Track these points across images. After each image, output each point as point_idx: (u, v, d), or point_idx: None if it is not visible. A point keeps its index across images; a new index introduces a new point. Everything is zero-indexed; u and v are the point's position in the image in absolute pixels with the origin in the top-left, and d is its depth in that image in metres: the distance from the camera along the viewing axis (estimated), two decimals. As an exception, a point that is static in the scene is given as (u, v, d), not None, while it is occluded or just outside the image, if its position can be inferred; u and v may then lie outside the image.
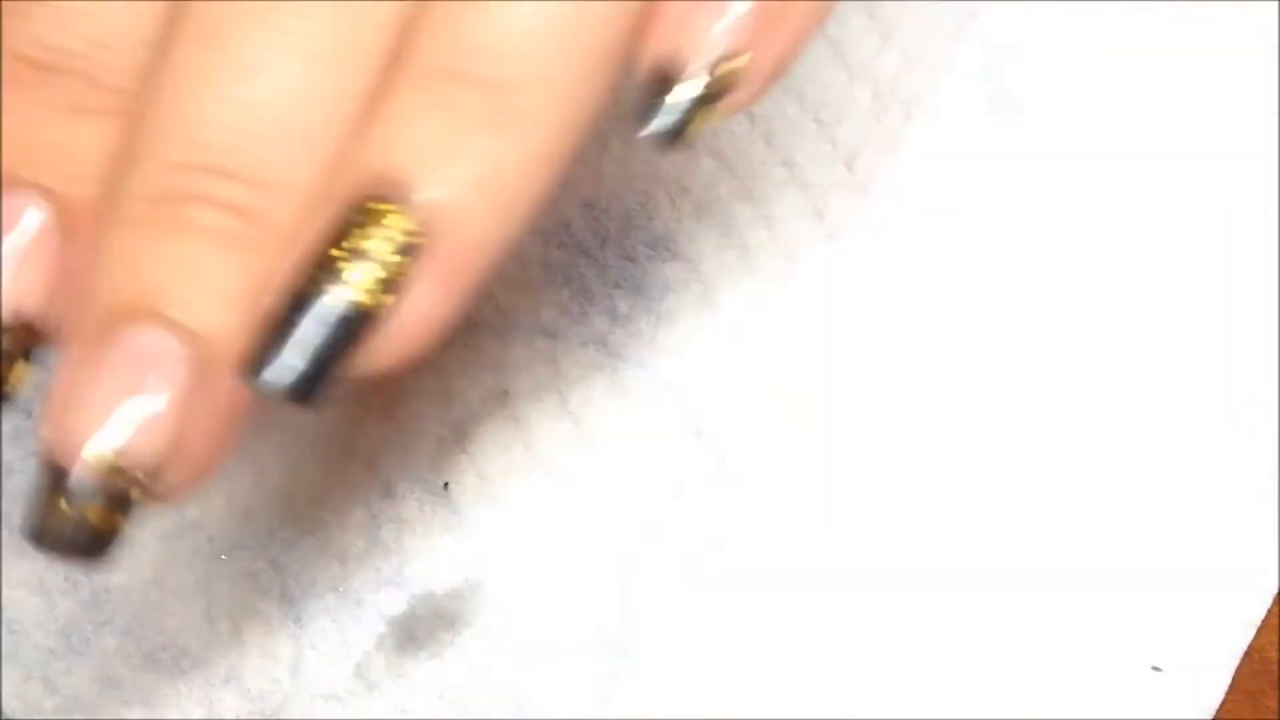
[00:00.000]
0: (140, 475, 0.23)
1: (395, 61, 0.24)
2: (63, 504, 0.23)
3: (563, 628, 0.33)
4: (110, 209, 0.24)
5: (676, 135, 0.24)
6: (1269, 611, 0.33)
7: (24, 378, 0.25)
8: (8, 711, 0.33)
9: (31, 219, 0.24)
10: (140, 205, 0.24)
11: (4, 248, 0.24)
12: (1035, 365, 0.34)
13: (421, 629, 0.33)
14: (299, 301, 0.23)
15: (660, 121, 0.24)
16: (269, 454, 0.34)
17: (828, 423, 0.34)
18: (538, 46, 0.24)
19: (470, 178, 0.24)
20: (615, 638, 0.33)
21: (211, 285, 0.23)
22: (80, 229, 0.24)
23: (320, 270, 0.23)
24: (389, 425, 0.34)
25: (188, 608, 0.33)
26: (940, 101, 0.36)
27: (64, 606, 0.33)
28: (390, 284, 0.23)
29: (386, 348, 0.24)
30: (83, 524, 0.23)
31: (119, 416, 0.23)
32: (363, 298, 0.23)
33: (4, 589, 0.33)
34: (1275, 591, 0.33)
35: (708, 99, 0.24)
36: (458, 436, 0.34)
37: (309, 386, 0.23)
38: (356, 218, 0.23)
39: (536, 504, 0.34)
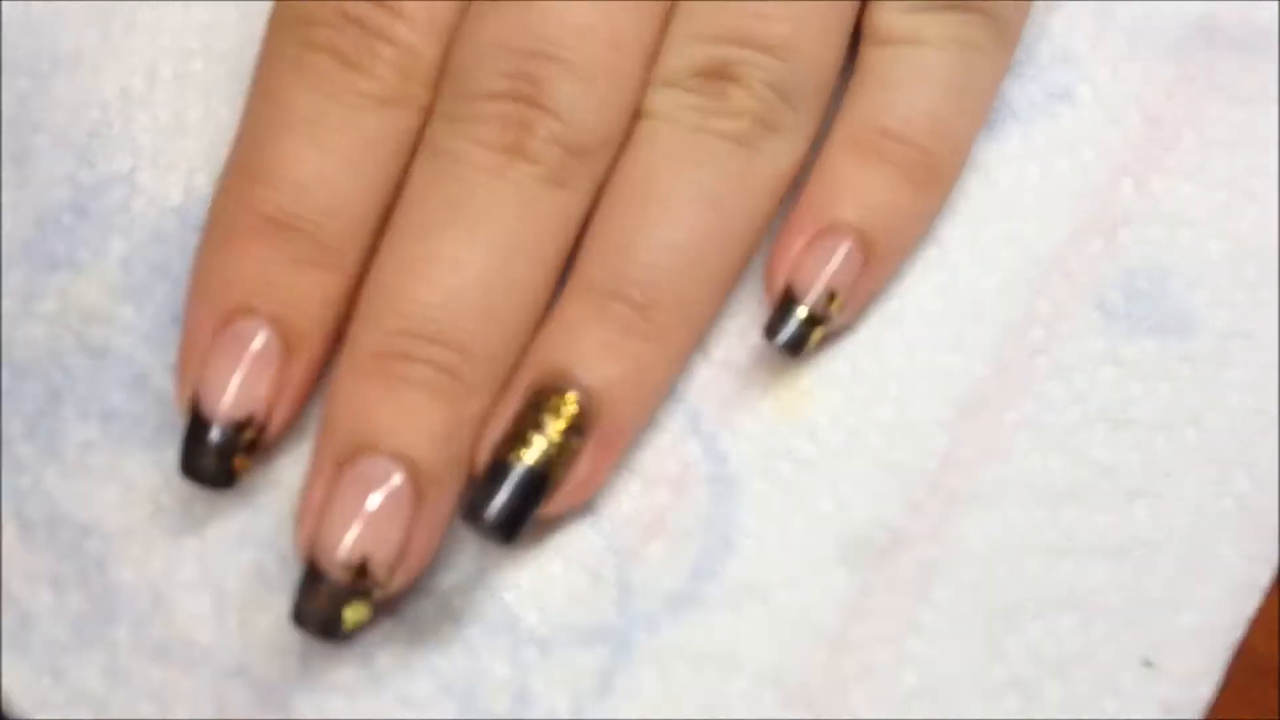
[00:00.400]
0: (378, 575, 0.30)
1: (568, 262, 0.32)
2: (320, 593, 0.30)
3: (565, 623, 0.33)
4: (345, 361, 0.31)
5: (797, 346, 0.32)
6: (1261, 607, 0.33)
7: (247, 467, 0.32)
8: (19, 704, 0.33)
9: (260, 340, 0.31)
10: (369, 360, 0.31)
11: (240, 362, 0.31)
12: (1022, 367, 0.35)
13: (426, 622, 0.33)
14: (501, 467, 0.31)
15: (785, 335, 0.32)
16: (278, 450, 0.34)
17: (828, 423, 0.34)
18: (679, 279, 0.32)
19: (620, 374, 0.31)
20: (616, 634, 0.33)
21: (424, 426, 0.30)
22: (294, 354, 0.31)
23: (515, 443, 0.31)
24: (394, 424, 0.34)
25: (197, 602, 0.33)
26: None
27: (75, 600, 0.33)
28: (563, 454, 0.31)
29: (561, 501, 0.31)
30: (336, 613, 0.30)
31: (361, 529, 0.30)
32: (543, 465, 0.31)
33: (16, 582, 0.33)
34: (1266, 587, 0.33)
35: (818, 320, 0.32)
36: (462, 435, 0.34)
37: (510, 529, 0.31)
38: (539, 402, 0.31)
39: (539, 501, 0.34)
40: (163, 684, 0.33)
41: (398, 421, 0.30)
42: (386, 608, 0.32)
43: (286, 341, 0.31)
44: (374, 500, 0.30)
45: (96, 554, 0.33)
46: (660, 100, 0.32)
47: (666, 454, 0.34)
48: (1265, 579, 0.33)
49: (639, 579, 0.33)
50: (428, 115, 0.32)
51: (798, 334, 0.32)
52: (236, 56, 0.37)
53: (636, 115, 0.33)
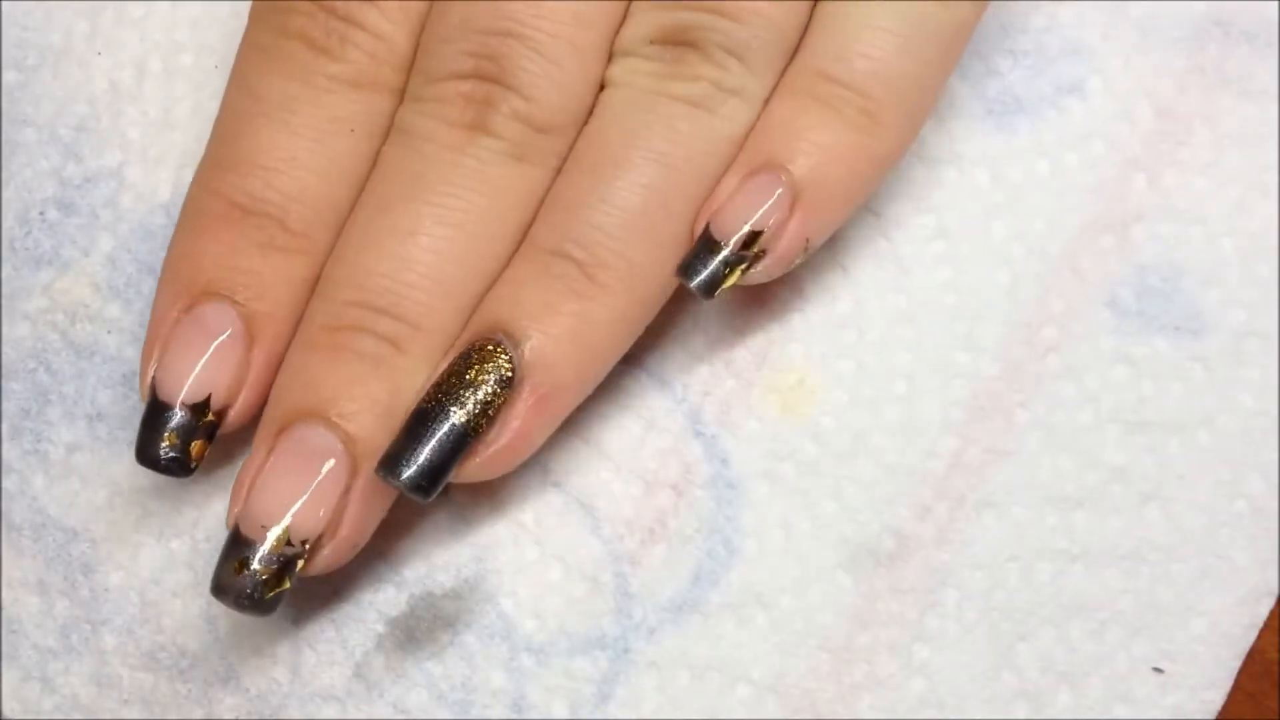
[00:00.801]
0: (304, 546, 0.30)
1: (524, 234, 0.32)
2: (242, 565, 0.30)
3: (562, 628, 0.33)
4: (299, 334, 0.31)
5: (710, 288, 0.31)
6: (1270, 613, 0.33)
7: (203, 453, 0.31)
8: (6, 711, 0.32)
9: (222, 323, 0.31)
10: (319, 331, 0.31)
11: (202, 345, 0.31)
12: (1033, 366, 0.34)
13: (421, 629, 0.33)
14: (423, 419, 0.30)
15: (699, 275, 0.31)
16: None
17: (833, 424, 0.34)
18: (624, 239, 0.31)
19: (559, 331, 0.31)
20: (615, 638, 0.33)
21: (364, 396, 0.30)
22: (258, 338, 0.31)
23: (441, 395, 0.30)
24: (389, 425, 0.34)
25: (186, 607, 0.33)
26: (941, 101, 0.36)
27: (63, 606, 0.33)
28: (491, 409, 0.30)
29: (491, 459, 0.31)
30: (258, 583, 0.30)
31: (291, 497, 0.30)
32: (469, 418, 0.30)
33: (3, 588, 0.33)
34: (1276, 593, 0.33)
35: (736, 262, 0.31)
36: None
37: (426, 485, 0.30)
38: (473, 356, 0.31)
39: (536, 504, 0.34)
40: (152, 691, 0.33)
41: (338, 391, 0.30)
42: (325, 579, 0.32)
43: (250, 325, 0.31)
44: (310, 468, 0.30)
45: (84, 558, 0.33)
46: (619, 69, 0.32)
47: (667, 456, 0.34)
48: (1277, 584, 0.33)
49: (638, 585, 0.33)
50: (400, 99, 0.33)
51: (711, 274, 0.31)
52: (226, 51, 0.36)
53: (602, 88, 0.33)
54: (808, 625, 0.33)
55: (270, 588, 0.30)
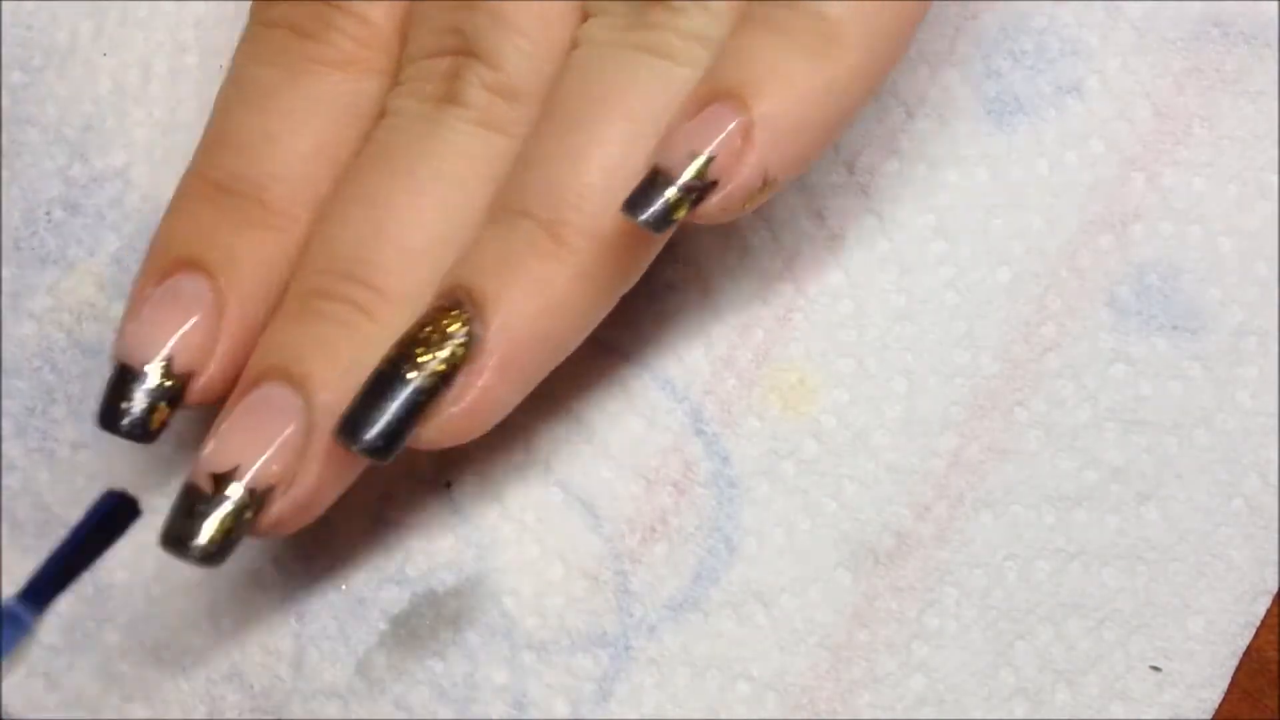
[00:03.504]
0: (257, 497, 0.29)
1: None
2: (189, 514, 0.30)
3: (563, 625, 0.33)
4: (279, 306, 0.31)
5: (661, 221, 0.29)
6: (1267, 611, 0.33)
7: (165, 420, 0.31)
8: (9, 708, 0.32)
9: (191, 291, 0.31)
10: (293, 300, 0.31)
11: (169, 311, 0.31)
12: (1032, 364, 0.34)
13: (423, 627, 0.33)
14: (381, 381, 0.30)
15: (646, 210, 0.29)
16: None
17: (834, 422, 0.34)
18: (589, 195, 0.30)
19: (521, 292, 0.30)
20: (616, 635, 0.33)
21: (330, 358, 0.30)
22: (227, 308, 0.31)
23: (399, 358, 0.30)
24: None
25: (190, 604, 0.33)
26: (941, 102, 0.36)
27: (66, 603, 0.33)
28: (448, 369, 0.30)
29: (449, 423, 0.30)
30: (207, 536, 0.29)
31: (247, 448, 0.29)
32: (426, 381, 0.30)
33: (5, 586, 0.33)
34: (1274, 591, 0.33)
35: (685, 194, 0.29)
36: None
37: (382, 446, 0.30)
38: (433, 318, 0.30)
39: (537, 504, 0.34)
40: (155, 687, 0.33)
41: (303, 351, 0.30)
42: (276, 538, 0.32)
43: (221, 297, 0.31)
44: (265, 421, 0.30)
45: (88, 556, 0.33)
46: (585, 28, 0.32)
47: (668, 454, 0.34)
48: (1274, 582, 0.33)
49: (639, 583, 0.33)
50: (388, 83, 0.33)
51: (660, 209, 0.29)
52: (231, 51, 0.36)
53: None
54: (808, 623, 0.33)
55: (219, 541, 0.29)
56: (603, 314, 0.32)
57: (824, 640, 0.32)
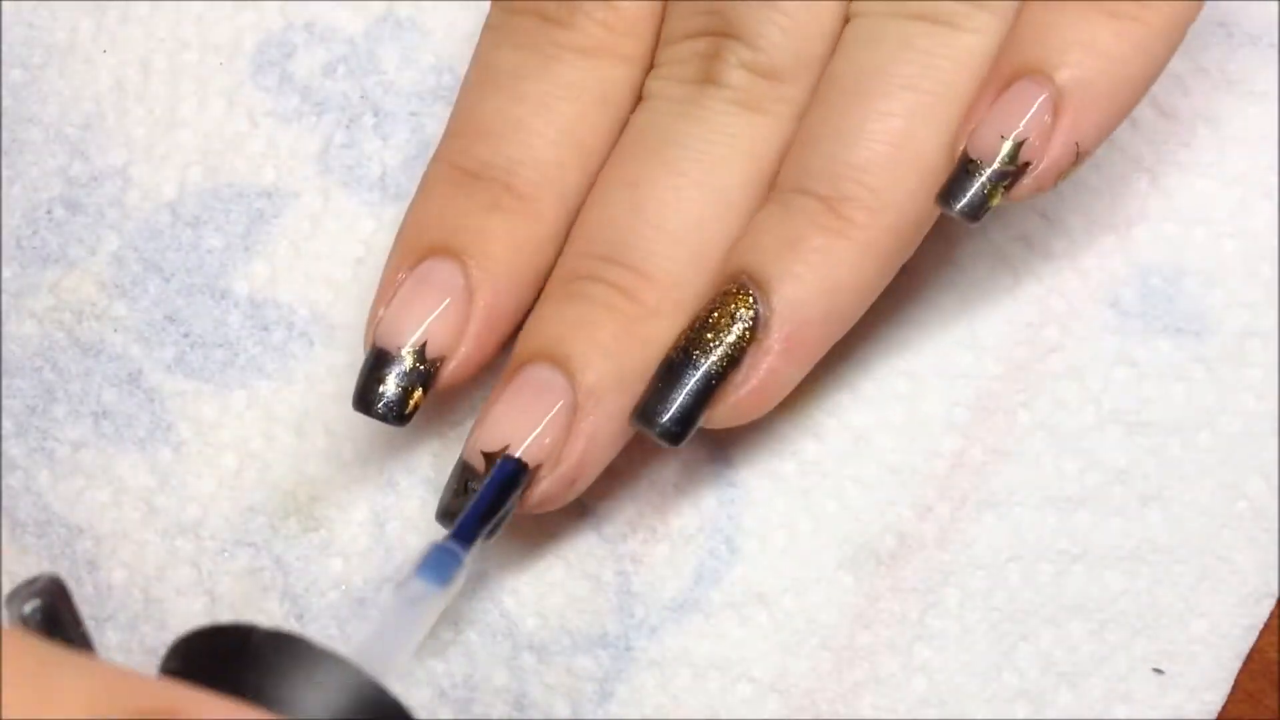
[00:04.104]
0: (524, 472, 0.30)
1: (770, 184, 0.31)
2: (462, 490, 0.31)
3: (564, 626, 0.33)
4: (543, 291, 0.32)
5: (975, 211, 0.30)
6: (1270, 614, 0.33)
7: (419, 404, 0.31)
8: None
9: (444, 277, 0.31)
10: (557, 284, 0.32)
11: (422, 296, 0.31)
12: (1036, 366, 0.34)
13: (424, 627, 0.33)
14: (674, 367, 0.31)
15: (962, 199, 0.30)
16: (273, 452, 0.34)
17: (835, 423, 0.34)
18: (871, 169, 0.30)
19: (804, 270, 0.30)
20: (617, 636, 0.33)
21: (591, 340, 0.31)
22: (478, 294, 0.31)
23: (689, 343, 0.30)
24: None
25: (190, 604, 0.33)
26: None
27: (66, 603, 0.33)
28: (738, 353, 0.30)
29: (739, 405, 0.31)
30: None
31: (518, 427, 0.30)
32: (717, 364, 0.30)
33: (6, 584, 0.33)
34: (1276, 594, 0.33)
35: (1000, 179, 0.30)
36: (461, 435, 0.34)
37: (678, 431, 0.30)
38: (717, 301, 0.30)
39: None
40: (155, 688, 0.32)
41: (565, 333, 0.31)
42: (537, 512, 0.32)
43: (472, 282, 0.31)
44: (532, 402, 0.30)
45: (88, 555, 0.33)
46: (857, 3, 0.32)
47: (669, 454, 0.34)
48: (1277, 585, 0.33)
49: (640, 584, 0.33)
50: (640, 69, 0.33)
51: (974, 198, 0.30)
52: (231, 48, 0.36)
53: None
54: (809, 624, 0.33)
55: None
56: (883, 287, 0.32)
57: (826, 641, 0.32)
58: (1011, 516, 0.33)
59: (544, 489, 0.31)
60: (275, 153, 0.36)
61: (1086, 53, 0.30)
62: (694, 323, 0.31)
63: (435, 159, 0.33)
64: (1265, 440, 0.34)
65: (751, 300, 0.30)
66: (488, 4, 0.34)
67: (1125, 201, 0.35)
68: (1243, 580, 0.33)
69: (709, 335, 0.30)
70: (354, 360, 0.34)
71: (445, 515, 0.31)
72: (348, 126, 0.36)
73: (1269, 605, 0.33)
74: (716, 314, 0.30)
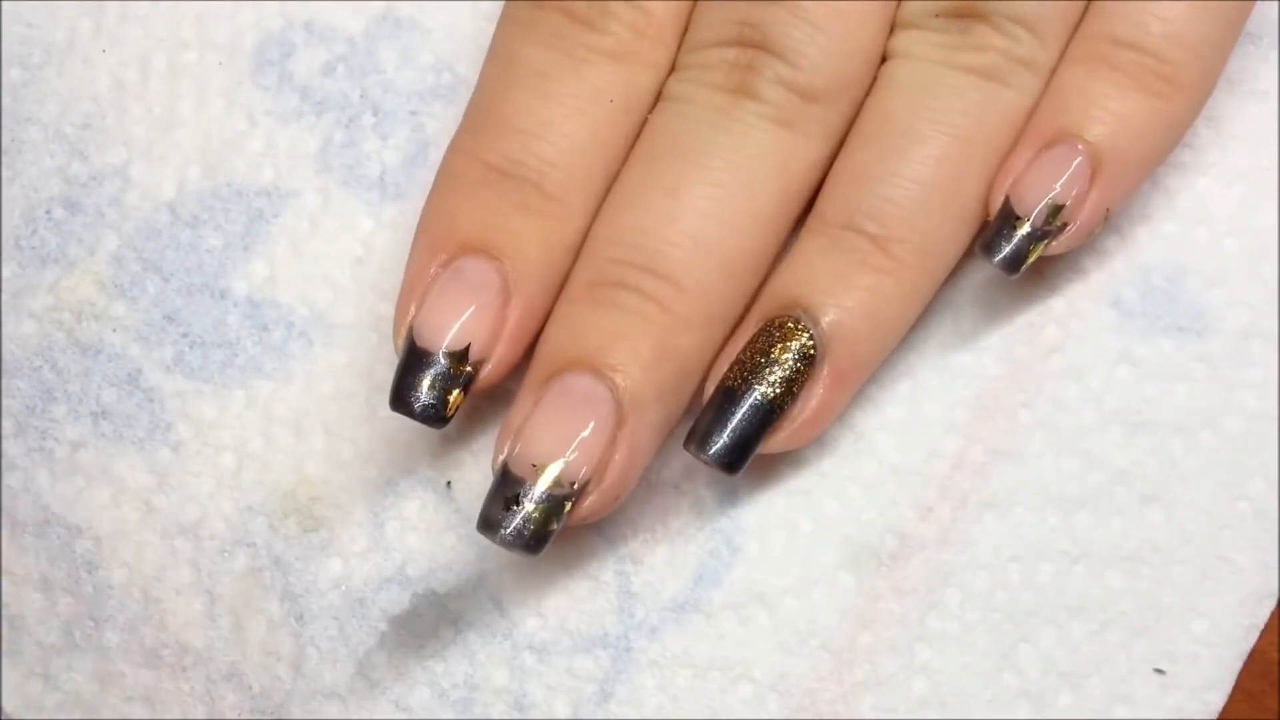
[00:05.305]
0: (573, 489, 0.30)
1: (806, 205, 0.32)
2: (509, 503, 0.30)
3: (564, 626, 0.33)
4: (564, 292, 0.32)
5: (1015, 264, 0.32)
6: (1271, 614, 0.33)
7: (459, 405, 0.31)
8: (8, 708, 0.32)
9: (482, 277, 0.31)
10: (582, 288, 0.31)
11: (460, 296, 0.31)
12: (1037, 366, 0.34)
13: (423, 627, 0.33)
14: (730, 396, 0.31)
15: (1003, 251, 0.32)
16: (273, 452, 0.34)
17: (836, 424, 0.34)
18: (916, 211, 0.31)
19: (854, 304, 0.31)
20: (617, 636, 0.33)
21: (630, 349, 0.31)
22: (514, 295, 0.31)
23: (747, 372, 0.31)
24: (392, 424, 0.34)
25: (190, 605, 0.33)
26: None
27: (65, 603, 0.33)
28: (794, 385, 0.31)
29: (791, 435, 0.31)
30: (529, 519, 0.30)
31: (562, 441, 0.30)
32: (774, 395, 0.31)
33: (6, 585, 0.33)
34: (1277, 594, 0.33)
35: (1039, 236, 0.31)
36: (461, 435, 0.34)
37: (735, 460, 0.31)
38: (775, 333, 0.31)
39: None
40: (154, 688, 0.32)
41: (604, 342, 0.31)
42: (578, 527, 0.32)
43: (508, 282, 0.31)
44: (579, 414, 0.30)
45: (87, 556, 0.33)
46: (902, 41, 0.32)
47: (670, 455, 0.34)
48: (1274, 587, 0.33)
49: (640, 584, 0.33)
50: (664, 75, 0.33)
51: (1016, 250, 0.32)
52: (231, 47, 0.36)
53: (881, 62, 0.33)
54: (810, 625, 0.33)
55: (540, 526, 0.30)
56: (915, 318, 0.33)
57: (826, 642, 0.32)
58: (1012, 517, 0.33)
59: (591, 503, 0.31)
60: (274, 152, 0.36)
61: (1124, 126, 0.32)
62: (750, 351, 0.31)
63: (456, 150, 0.32)
64: (1267, 440, 0.33)
65: (809, 335, 0.31)
66: (488, 4, 0.34)
67: (1126, 201, 0.35)
68: (1244, 580, 0.33)
69: (767, 366, 0.31)
70: (353, 360, 0.34)
71: (487, 526, 0.30)
72: (347, 126, 0.36)
73: (1270, 605, 0.33)
74: (773, 344, 0.31)
